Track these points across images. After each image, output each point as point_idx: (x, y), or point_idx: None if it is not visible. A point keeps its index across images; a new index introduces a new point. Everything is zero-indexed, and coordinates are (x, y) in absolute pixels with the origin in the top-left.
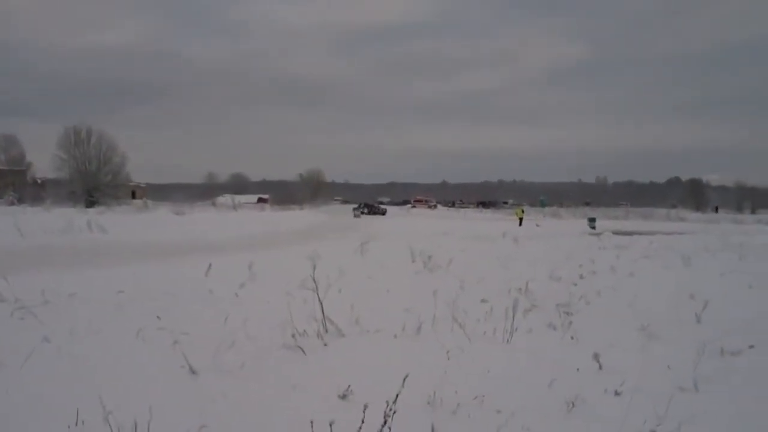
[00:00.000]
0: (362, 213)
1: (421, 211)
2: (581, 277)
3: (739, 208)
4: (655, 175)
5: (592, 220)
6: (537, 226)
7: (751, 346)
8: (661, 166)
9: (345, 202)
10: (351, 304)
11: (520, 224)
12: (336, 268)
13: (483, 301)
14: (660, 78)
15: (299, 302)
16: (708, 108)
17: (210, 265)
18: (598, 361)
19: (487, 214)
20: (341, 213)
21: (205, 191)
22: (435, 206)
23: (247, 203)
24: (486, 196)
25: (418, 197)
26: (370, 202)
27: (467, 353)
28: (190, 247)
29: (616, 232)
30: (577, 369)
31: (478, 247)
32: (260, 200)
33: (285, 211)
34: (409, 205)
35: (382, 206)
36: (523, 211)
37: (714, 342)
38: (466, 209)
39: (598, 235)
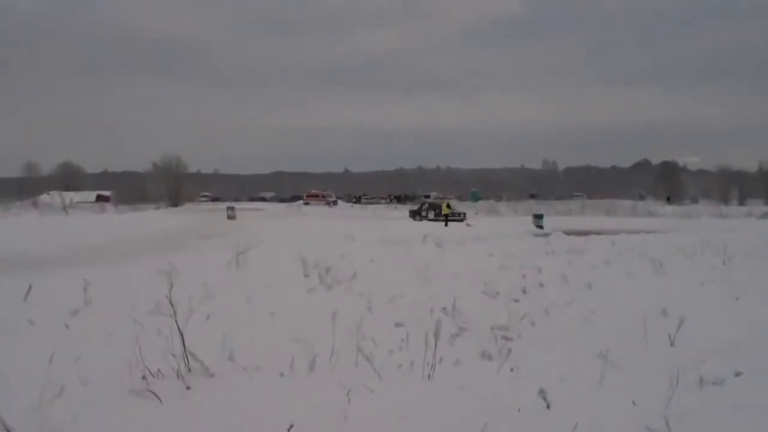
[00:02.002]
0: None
1: (316, 209)
2: (524, 291)
3: (724, 199)
4: (619, 159)
5: (538, 218)
6: (468, 225)
7: (738, 374)
8: (626, 146)
9: (215, 199)
10: (222, 334)
11: (446, 224)
12: (202, 287)
13: (397, 325)
14: (622, 38)
15: (152, 333)
16: (684, 75)
17: (30, 287)
18: (544, 399)
19: (404, 211)
20: (211, 213)
21: (24, 187)
22: (335, 202)
23: (82, 203)
24: (401, 189)
25: (313, 191)
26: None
27: (376, 394)
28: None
29: (569, 232)
30: (518, 409)
31: (392, 254)
32: (100, 198)
33: (134, 212)
34: (301, 202)
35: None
36: (449, 207)
37: (691, 369)
38: (376, 205)
39: (546, 236)
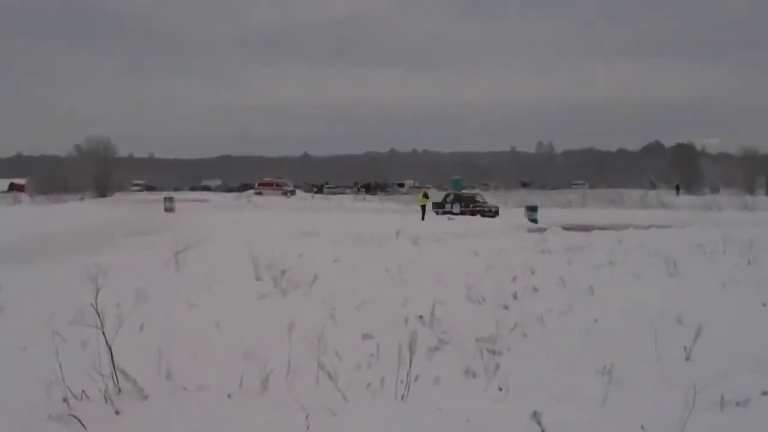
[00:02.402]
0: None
1: (271, 200)
2: (515, 296)
3: (750, 188)
4: (626, 141)
5: (531, 210)
6: (450, 219)
7: (765, 393)
8: (635, 127)
9: (150, 188)
10: (159, 348)
11: (424, 217)
12: (134, 291)
13: (365, 336)
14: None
15: (75, 347)
16: (702, 43)
17: None
18: (538, 423)
19: (374, 202)
20: (145, 205)
21: None
22: (292, 192)
23: None
24: (371, 176)
25: (266, 179)
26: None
27: (340, 418)
28: None
29: (568, 227)
30: None
31: (359, 253)
32: (13, 187)
33: (54, 203)
34: (252, 191)
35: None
36: (427, 197)
37: (710, 388)
38: (342, 196)
39: (540, 231)
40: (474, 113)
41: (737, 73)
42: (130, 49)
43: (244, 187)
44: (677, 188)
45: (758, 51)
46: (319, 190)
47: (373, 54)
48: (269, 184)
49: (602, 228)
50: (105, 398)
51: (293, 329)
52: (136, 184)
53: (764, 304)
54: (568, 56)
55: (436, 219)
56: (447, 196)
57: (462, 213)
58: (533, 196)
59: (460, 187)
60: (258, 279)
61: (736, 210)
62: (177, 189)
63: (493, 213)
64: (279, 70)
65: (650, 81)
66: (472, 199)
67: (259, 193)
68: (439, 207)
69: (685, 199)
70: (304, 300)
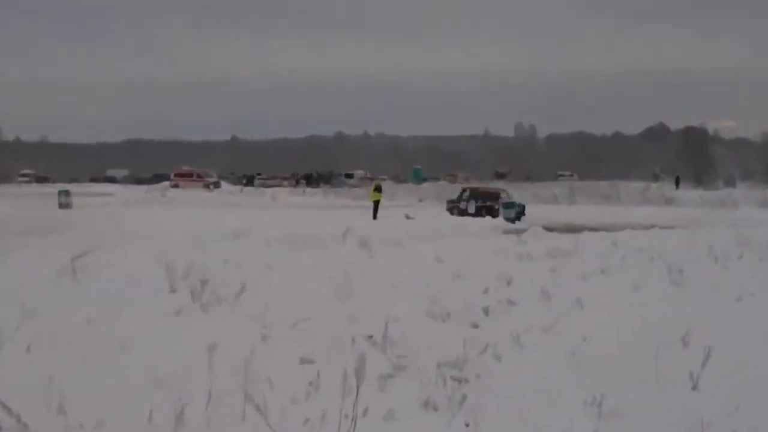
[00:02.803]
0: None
1: (190, 194)
2: (487, 312)
3: None
4: (624, 123)
5: (508, 207)
6: (408, 218)
7: None
8: (634, 106)
9: (42, 179)
10: (49, 375)
11: (376, 215)
12: (18, 306)
13: (304, 361)
14: None
15: None
16: (715, 8)
17: None
18: None
19: (316, 197)
20: (35, 200)
21: None
22: (217, 184)
23: None
24: (313, 165)
25: (185, 168)
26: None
27: None
28: None
29: (553, 227)
30: None
31: (298, 259)
32: None
33: None
34: (168, 183)
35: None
36: (380, 191)
37: (721, 422)
38: (277, 189)
39: (519, 232)
40: (440, 89)
41: (757, 43)
42: (18, 11)
43: (157, 179)
44: (677, 181)
45: None
46: (250, 181)
47: (317, 18)
48: (188, 175)
49: (594, 229)
50: None
51: (215, 352)
52: (24, 174)
53: None
54: (553, 22)
55: (390, 214)
56: (462, 192)
57: (478, 214)
58: (511, 190)
59: (421, 177)
60: (173, 291)
61: (756, 207)
62: (74, 180)
63: (515, 213)
64: (201, 37)
65: (652, 51)
66: (493, 195)
67: (176, 186)
68: (453, 205)
69: (693, 193)
70: (229, 316)
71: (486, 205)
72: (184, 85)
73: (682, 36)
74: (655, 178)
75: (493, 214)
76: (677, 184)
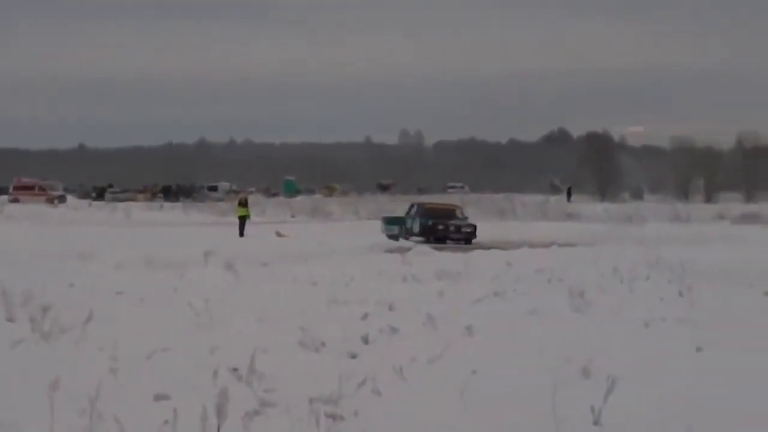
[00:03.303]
0: None
1: (31, 210)
2: (366, 340)
3: (683, 192)
4: (520, 130)
5: (391, 222)
6: (279, 235)
7: None
8: (532, 110)
9: None
10: None
11: (243, 232)
12: None
13: (158, 397)
14: None
15: None
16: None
17: None
18: None
19: (176, 212)
20: None
21: None
22: (62, 198)
23: None
24: (172, 176)
25: (25, 180)
26: None
27: None
28: None
29: (441, 246)
30: None
31: (153, 283)
32: None
33: None
34: (6, 197)
35: None
36: (246, 205)
37: None
38: (131, 203)
39: (404, 251)
40: (316, 91)
41: (667, 43)
42: None
43: None
44: (569, 192)
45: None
46: (100, 195)
47: (178, 7)
48: (29, 188)
49: (487, 247)
50: None
51: (58, 389)
52: None
53: (698, 349)
54: (442, 17)
55: (259, 231)
56: (411, 208)
57: (425, 238)
58: (395, 204)
59: (293, 190)
60: (9, 320)
61: (666, 222)
62: None
63: (465, 236)
64: (43, 29)
65: (551, 51)
66: (447, 213)
67: (16, 200)
68: (398, 227)
69: (597, 207)
70: (74, 347)
71: (436, 226)
72: (24, 86)
73: (586, 35)
74: (554, 189)
75: (449, 236)
76: (569, 196)
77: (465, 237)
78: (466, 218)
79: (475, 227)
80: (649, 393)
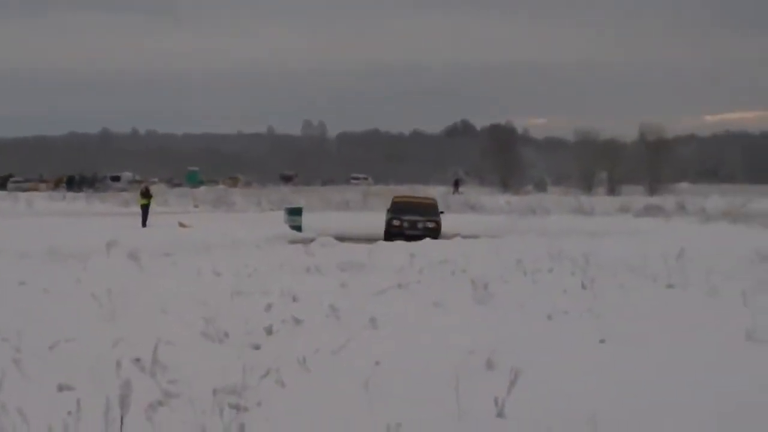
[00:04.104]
0: None
1: None
2: (269, 331)
3: (587, 184)
4: (424, 121)
5: (294, 213)
6: (182, 226)
7: None
8: (435, 102)
9: None
10: None
11: (145, 221)
12: None
13: (62, 388)
14: None
15: None
16: None
17: None
18: None
19: (78, 202)
20: None
21: None
22: None
23: None
24: (76, 167)
25: None
26: None
27: None
28: None
29: (344, 237)
30: None
31: (55, 273)
32: None
33: None
34: None
35: None
36: (148, 195)
37: None
38: (33, 193)
39: (307, 242)
40: (217, 80)
41: (569, 36)
42: None
43: None
44: (456, 184)
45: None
46: (2, 185)
47: None
48: None
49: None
50: None
51: None
52: None
53: (601, 341)
54: (347, 5)
55: (162, 221)
56: (393, 203)
57: (399, 233)
58: (297, 195)
59: (196, 181)
60: None
61: (569, 214)
62: None
63: (431, 226)
64: None
65: (454, 43)
66: (428, 208)
67: None
68: (388, 224)
69: (499, 199)
70: None
71: (417, 220)
72: None
73: (489, 27)
74: (456, 183)
75: (430, 233)
76: (456, 187)
77: (426, 234)
78: (438, 214)
79: (438, 220)
80: (552, 385)
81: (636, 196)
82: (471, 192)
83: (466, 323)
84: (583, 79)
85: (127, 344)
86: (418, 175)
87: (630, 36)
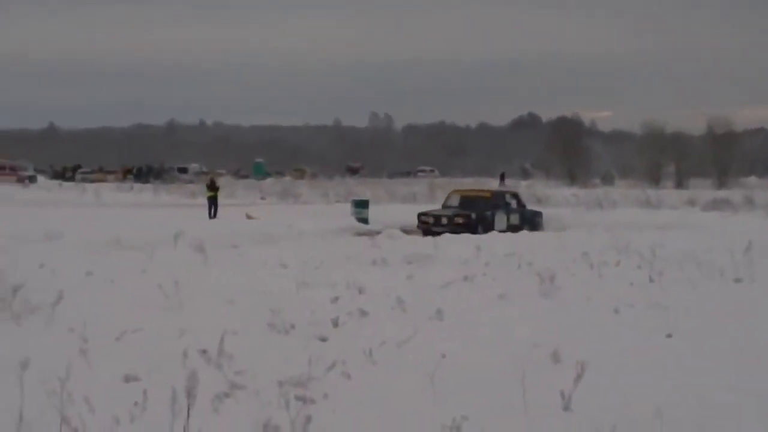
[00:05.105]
0: None
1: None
2: (336, 323)
3: (654, 178)
4: (490, 113)
5: (360, 206)
6: (248, 217)
7: None
8: (502, 94)
9: None
10: None
11: (214, 212)
12: None
13: (128, 379)
14: None
15: None
16: None
17: None
18: None
19: (146, 193)
20: None
21: None
22: (32, 179)
23: None
24: (142, 158)
25: None
26: None
27: None
28: None
29: (410, 230)
30: None
31: (122, 264)
32: None
33: None
34: None
35: None
36: (215, 188)
37: None
38: (101, 184)
39: (373, 235)
40: (284, 73)
41: (637, 26)
42: None
43: None
44: (502, 177)
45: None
46: (69, 175)
47: None
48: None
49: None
50: None
51: (27, 369)
52: None
53: (668, 335)
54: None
55: (229, 213)
56: (448, 198)
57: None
58: (363, 187)
59: (263, 173)
60: None
61: (636, 208)
62: None
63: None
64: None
65: (521, 35)
66: (483, 201)
67: None
68: (429, 221)
69: (566, 192)
70: (44, 328)
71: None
72: None
73: (554, 19)
74: (524, 174)
75: (478, 226)
76: (502, 180)
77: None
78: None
79: (526, 212)
80: (618, 378)
81: (703, 190)
82: (537, 185)
83: (532, 316)
84: (649, 70)
85: (192, 335)
86: (483, 167)
87: (697, 26)
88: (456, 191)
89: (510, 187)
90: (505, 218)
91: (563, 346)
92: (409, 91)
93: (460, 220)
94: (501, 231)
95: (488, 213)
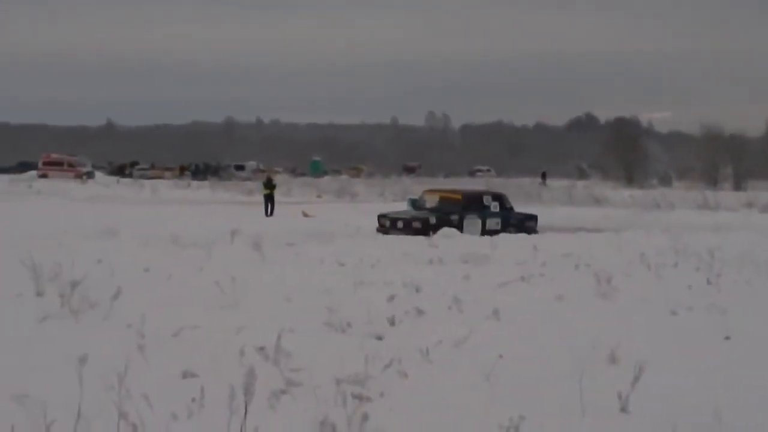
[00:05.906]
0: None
1: (60, 186)
2: (392, 322)
3: (712, 179)
4: (547, 113)
5: (417, 203)
6: (305, 215)
7: None
8: (559, 94)
9: None
10: None
11: (270, 210)
12: None
13: (186, 375)
14: None
15: None
16: None
17: None
18: None
19: (203, 190)
20: None
21: None
22: (90, 174)
23: None
24: (199, 155)
25: (54, 156)
26: None
27: None
28: None
29: None
30: None
31: (181, 260)
32: None
33: None
34: (35, 173)
35: None
36: (272, 186)
37: None
38: (159, 180)
39: (429, 234)
40: (342, 71)
41: (695, 27)
42: None
43: (22, 167)
44: (543, 176)
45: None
46: (126, 172)
47: None
48: (58, 164)
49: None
50: None
51: (86, 364)
52: None
53: (727, 338)
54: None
55: (285, 211)
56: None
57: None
58: (420, 186)
59: (320, 170)
60: (39, 294)
61: (693, 209)
62: None
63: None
64: (72, 7)
65: (579, 35)
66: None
67: (44, 176)
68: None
69: (623, 193)
70: (102, 323)
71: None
72: (51, 63)
73: (614, 19)
74: (581, 174)
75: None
76: (543, 179)
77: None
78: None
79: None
80: (676, 380)
81: (762, 192)
82: (594, 186)
83: (589, 317)
84: (708, 71)
85: (250, 332)
86: (540, 167)
87: (756, 25)
88: (428, 191)
89: (543, 184)
90: (478, 222)
91: (621, 348)
92: (466, 89)
93: (417, 225)
94: (477, 235)
95: (454, 217)
